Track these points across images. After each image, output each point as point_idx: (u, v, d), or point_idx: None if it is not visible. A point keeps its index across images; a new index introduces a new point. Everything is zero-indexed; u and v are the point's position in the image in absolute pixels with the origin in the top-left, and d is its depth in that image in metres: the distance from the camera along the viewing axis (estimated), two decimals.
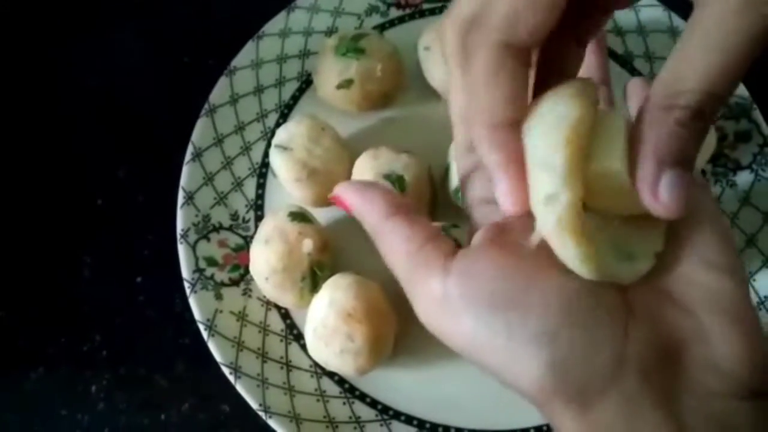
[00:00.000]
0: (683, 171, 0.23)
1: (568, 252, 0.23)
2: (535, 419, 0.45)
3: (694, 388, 0.23)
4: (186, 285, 0.46)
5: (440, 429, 0.45)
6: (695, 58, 0.22)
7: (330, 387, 0.46)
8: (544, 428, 0.45)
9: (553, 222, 0.23)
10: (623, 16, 0.54)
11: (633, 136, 0.23)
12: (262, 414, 0.43)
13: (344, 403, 0.45)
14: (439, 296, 0.25)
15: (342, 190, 0.30)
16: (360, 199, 0.29)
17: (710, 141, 0.49)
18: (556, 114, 0.23)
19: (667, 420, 0.22)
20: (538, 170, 0.23)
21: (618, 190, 0.24)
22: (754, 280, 0.48)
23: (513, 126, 0.25)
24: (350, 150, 0.49)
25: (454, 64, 0.26)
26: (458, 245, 0.27)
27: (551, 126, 0.23)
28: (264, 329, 0.47)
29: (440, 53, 0.49)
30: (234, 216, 0.50)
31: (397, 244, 0.27)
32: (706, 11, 0.22)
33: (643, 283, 0.25)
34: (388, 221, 0.28)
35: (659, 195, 0.23)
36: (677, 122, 0.22)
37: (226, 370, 0.44)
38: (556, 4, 0.24)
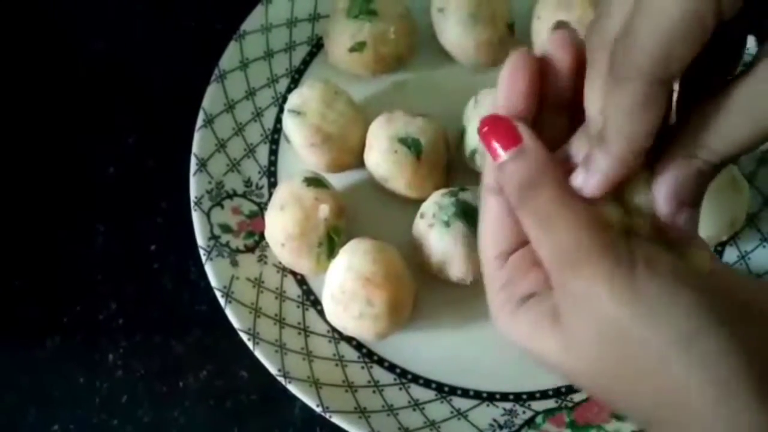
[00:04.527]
0: (695, 209, 0.27)
1: None
2: (553, 381, 0.45)
3: None
4: (201, 252, 0.46)
5: (458, 391, 0.45)
6: (730, 120, 0.24)
7: (348, 352, 0.46)
8: (563, 389, 0.45)
9: None
10: None
11: (656, 168, 0.26)
12: (281, 379, 0.43)
13: (362, 368, 0.45)
14: (624, 274, 0.25)
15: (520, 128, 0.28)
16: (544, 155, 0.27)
17: None
18: None
19: None
20: None
21: None
22: None
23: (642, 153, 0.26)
24: (364, 114, 0.48)
25: (598, 75, 0.26)
26: None
27: None
28: (281, 295, 0.47)
29: (455, 15, 0.48)
30: (247, 183, 0.49)
31: (575, 218, 0.26)
32: (756, 78, 0.23)
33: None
34: (572, 196, 0.27)
35: (677, 224, 0.26)
36: (697, 172, 0.25)
37: (244, 337, 0.44)
38: (706, 31, 0.23)
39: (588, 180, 0.26)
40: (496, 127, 0.28)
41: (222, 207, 0.48)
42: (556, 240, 0.26)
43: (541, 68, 0.28)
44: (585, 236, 0.25)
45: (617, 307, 0.24)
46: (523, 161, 0.27)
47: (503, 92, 0.28)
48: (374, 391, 0.45)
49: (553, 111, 0.29)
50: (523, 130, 0.27)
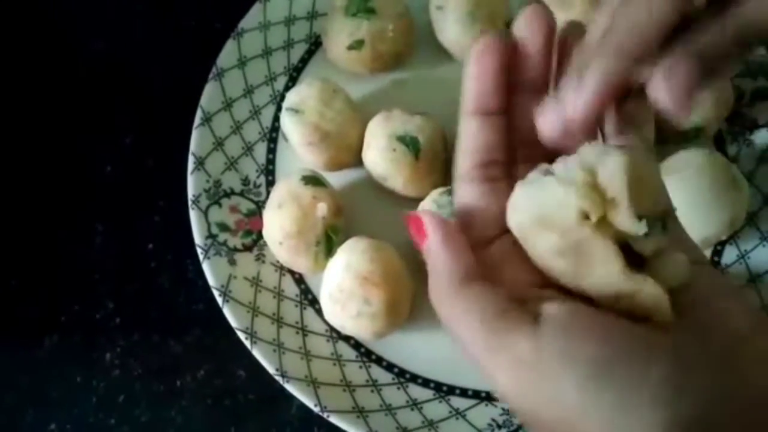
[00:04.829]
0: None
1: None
2: None
3: None
4: (199, 251, 0.46)
5: (457, 391, 0.45)
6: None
7: (346, 351, 0.46)
8: None
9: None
10: None
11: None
12: (279, 379, 0.43)
13: (361, 367, 0.45)
14: (529, 358, 0.23)
15: (425, 221, 0.27)
16: (442, 248, 0.26)
17: (727, 99, 0.48)
18: None
19: None
20: None
21: None
22: None
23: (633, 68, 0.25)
24: (362, 113, 0.48)
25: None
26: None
27: None
28: (278, 294, 0.47)
29: (454, 13, 0.48)
30: (245, 181, 0.49)
31: (474, 310, 0.24)
32: None
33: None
34: (464, 288, 0.25)
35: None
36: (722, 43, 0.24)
37: (242, 336, 0.44)
38: None
39: (584, 88, 0.25)
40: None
41: (220, 205, 0.48)
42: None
43: (512, 51, 0.27)
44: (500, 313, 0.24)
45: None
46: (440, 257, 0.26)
47: (474, 85, 0.27)
48: (372, 391, 0.44)
49: (526, 95, 0.28)
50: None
